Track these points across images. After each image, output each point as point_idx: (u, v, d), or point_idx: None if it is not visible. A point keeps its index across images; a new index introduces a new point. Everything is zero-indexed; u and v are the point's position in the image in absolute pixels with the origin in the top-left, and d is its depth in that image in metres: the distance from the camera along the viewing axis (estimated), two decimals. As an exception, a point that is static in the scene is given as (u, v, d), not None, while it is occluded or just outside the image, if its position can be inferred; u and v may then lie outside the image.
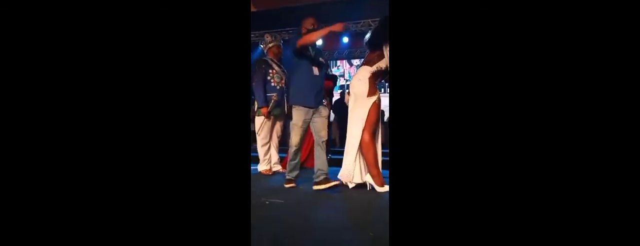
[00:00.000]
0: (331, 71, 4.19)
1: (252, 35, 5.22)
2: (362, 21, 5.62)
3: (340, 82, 8.21)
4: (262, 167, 2.91)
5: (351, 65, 7.70)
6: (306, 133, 3.51)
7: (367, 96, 2.17)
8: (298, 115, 2.22)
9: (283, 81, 2.92)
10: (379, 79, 2.29)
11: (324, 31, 2.11)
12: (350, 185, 2.25)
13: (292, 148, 2.26)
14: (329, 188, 2.14)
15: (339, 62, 7.91)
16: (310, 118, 2.24)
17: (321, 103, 2.30)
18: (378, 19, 2.62)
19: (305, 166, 3.47)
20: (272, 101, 2.81)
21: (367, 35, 2.33)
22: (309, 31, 2.19)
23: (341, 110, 5.87)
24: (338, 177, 2.46)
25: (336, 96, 6.49)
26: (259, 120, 2.84)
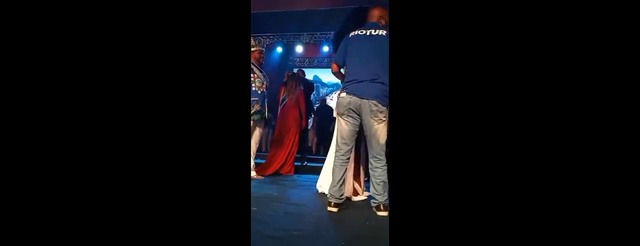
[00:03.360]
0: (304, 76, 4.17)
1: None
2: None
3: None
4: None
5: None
6: (292, 139, 3.49)
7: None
8: None
9: (264, 86, 2.88)
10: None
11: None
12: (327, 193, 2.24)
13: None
14: None
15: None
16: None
17: None
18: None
19: (281, 173, 3.45)
20: (254, 108, 2.77)
21: None
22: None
23: (321, 117, 5.89)
24: (317, 186, 2.44)
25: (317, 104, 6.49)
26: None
